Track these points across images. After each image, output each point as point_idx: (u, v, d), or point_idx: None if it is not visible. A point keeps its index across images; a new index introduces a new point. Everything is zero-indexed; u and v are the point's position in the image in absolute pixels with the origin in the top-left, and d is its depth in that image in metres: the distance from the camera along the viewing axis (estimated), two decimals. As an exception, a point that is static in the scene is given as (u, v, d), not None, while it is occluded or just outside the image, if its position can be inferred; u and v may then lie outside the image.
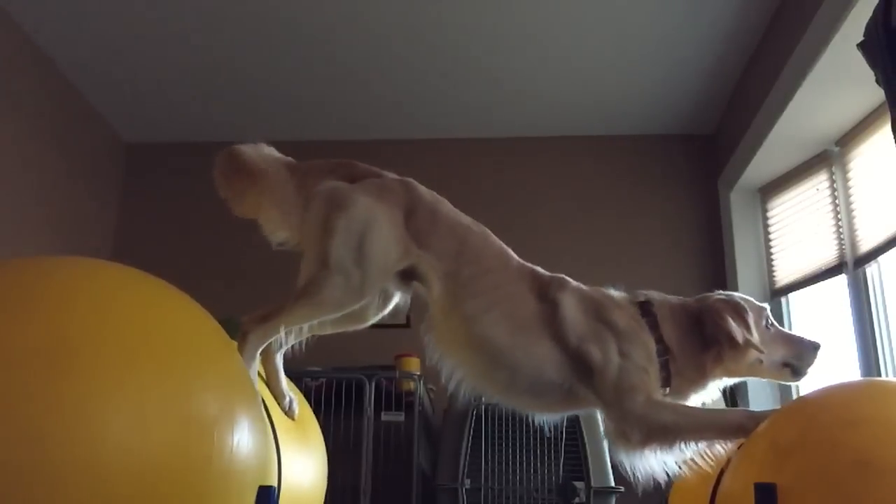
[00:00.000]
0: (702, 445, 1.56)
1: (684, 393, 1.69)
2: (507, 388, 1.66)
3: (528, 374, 1.63)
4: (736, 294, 1.80)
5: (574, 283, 1.74)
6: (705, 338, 1.70)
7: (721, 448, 1.56)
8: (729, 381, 1.78)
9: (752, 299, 1.79)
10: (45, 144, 4.07)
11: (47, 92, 4.09)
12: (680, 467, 1.59)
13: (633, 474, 1.58)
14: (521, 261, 1.76)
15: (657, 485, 1.58)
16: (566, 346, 1.63)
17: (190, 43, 3.95)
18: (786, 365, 1.76)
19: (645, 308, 1.72)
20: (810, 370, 1.77)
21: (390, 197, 1.69)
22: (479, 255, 1.69)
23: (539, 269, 1.76)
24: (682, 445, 1.55)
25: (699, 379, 1.70)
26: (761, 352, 1.68)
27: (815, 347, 1.77)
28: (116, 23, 3.80)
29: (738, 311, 1.71)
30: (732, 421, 1.55)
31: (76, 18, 3.76)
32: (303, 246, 1.70)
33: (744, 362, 1.71)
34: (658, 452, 1.56)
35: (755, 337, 1.69)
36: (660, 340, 1.67)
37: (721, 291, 1.81)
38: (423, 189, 1.76)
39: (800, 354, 1.76)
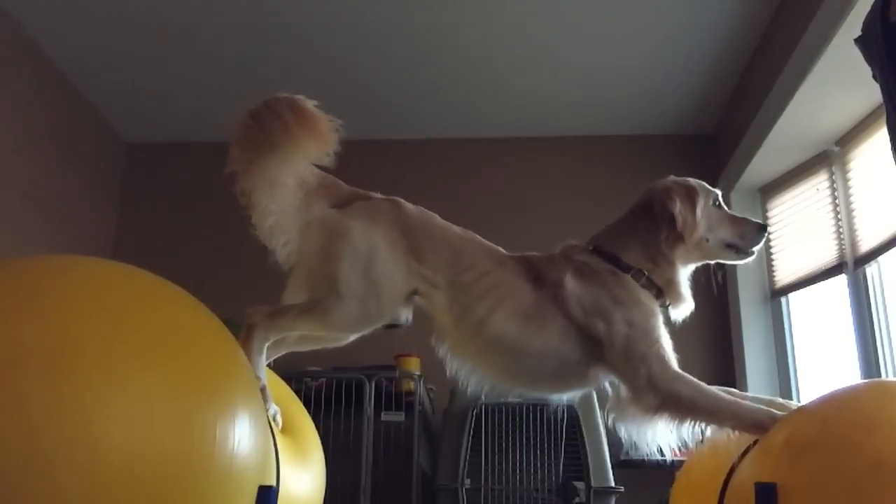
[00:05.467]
0: (713, 428, 1.57)
1: (677, 294, 1.74)
2: (532, 377, 1.70)
3: (551, 358, 1.66)
4: (691, 179, 1.85)
5: (561, 258, 1.76)
6: (657, 223, 1.75)
7: (729, 434, 1.56)
8: (691, 267, 1.82)
9: (703, 183, 1.84)
10: (46, 144, 4.07)
11: (47, 92, 4.09)
12: (683, 446, 1.60)
13: (635, 442, 1.61)
14: (512, 255, 1.79)
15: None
16: (574, 323, 1.66)
17: (190, 43, 3.95)
18: (730, 245, 1.80)
19: (601, 251, 1.75)
20: (755, 250, 1.81)
21: (383, 219, 1.69)
22: (474, 259, 1.71)
23: (530, 254, 1.78)
24: (694, 422, 1.56)
25: (672, 271, 1.74)
26: (694, 231, 1.73)
27: (760, 228, 1.81)
28: (116, 23, 3.80)
29: (689, 191, 1.77)
30: (752, 416, 1.54)
31: (76, 18, 3.76)
32: (301, 267, 1.68)
33: (692, 241, 1.75)
34: (668, 423, 1.58)
35: (698, 216, 1.74)
36: (629, 268, 1.71)
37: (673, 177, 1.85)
38: (411, 206, 1.77)
39: (744, 234, 1.80)
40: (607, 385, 1.74)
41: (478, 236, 1.79)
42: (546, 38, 3.87)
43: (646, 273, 1.71)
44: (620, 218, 1.85)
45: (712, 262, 1.85)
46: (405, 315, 1.74)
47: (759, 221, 1.83)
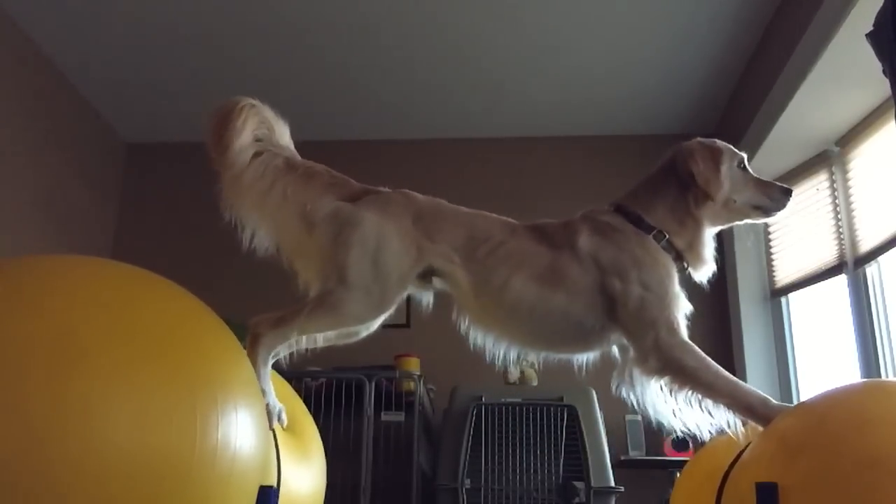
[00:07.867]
0: (707, 403, 1.58)
1: (698, 256, 1.75)
2: (555, 338, 1.72)
3: (571, 316, 1.68)
4: (716, 140, 1.85)
5: (579, 220, 1.79)
6: (683, 183, 1.77)
7: (727, 417, 1.57)
8: (717, 229, 1.83)
9: (729, 145, 1.84)
10: (46, 144, 4.07)
11: (47, 92, 4.09)
12: (677, 418, 1.61)
13: (636, 402, 1.63)
14: (524, 223, 1.80)
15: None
16: (590, 280, 1.68)
17: (190, 43, 3.95)
18: (756, 207, 1.82)
19: (625, 211, 1.77)
20: (780, 213, 1.82)
21: (395, 209, 1.72)
22: (488, 232, 1.74)
23: (544, 221, 1.80)
24: (692, 392, 1.58)
25: (697, 233, 1.75)
26: (719, 189, 1.74)
27: (785, 191, 1.82)
28: (116, 23, 3.80)
29: (713, 151, 1.79)
30: (747, 399, 1.55)
31: (76, 18, 3.76)
32: (311, 262, 1.71)
33: (719, 199, 1.76)
34: (667, 388, 1.60)
35: (722, 175, 1.76)
36: (651, 228, 1.73)
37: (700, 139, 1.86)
38: (420, 195, 1.80)
39: (770, 196, 1.81)
40: (616, 351, 1.76)
41: (489, 213, 1.81)
42: (546, 38, 3.87)
43: (667, 235, 1.73)
44: (644, 179, 1.86)
45: (740, 222, 1.85)
46: (426, 299, 1.78)
47: (786, 186, 1.82)
